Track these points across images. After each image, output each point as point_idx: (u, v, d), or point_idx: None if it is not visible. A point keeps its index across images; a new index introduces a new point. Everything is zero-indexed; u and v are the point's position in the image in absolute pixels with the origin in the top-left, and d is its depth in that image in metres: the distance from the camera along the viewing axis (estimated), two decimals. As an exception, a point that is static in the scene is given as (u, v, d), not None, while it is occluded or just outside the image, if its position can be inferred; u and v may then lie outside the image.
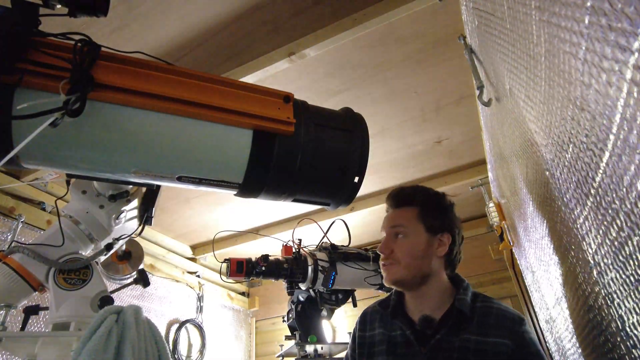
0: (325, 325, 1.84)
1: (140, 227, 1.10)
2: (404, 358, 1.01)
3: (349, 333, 1.31)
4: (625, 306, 0.50)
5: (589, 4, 0.35)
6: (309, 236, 2.05)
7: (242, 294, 3.87)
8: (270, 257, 1.55)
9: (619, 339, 0.56)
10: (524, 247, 1.43)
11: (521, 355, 0.90)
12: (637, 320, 0.47)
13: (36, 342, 0.88)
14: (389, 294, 1.18)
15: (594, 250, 0.55)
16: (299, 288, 1.63)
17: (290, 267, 1.54)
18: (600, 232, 0.49)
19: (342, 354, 1.77)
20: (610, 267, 0.50)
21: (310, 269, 1.54)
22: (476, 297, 1.04)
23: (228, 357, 3.36)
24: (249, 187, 0.82)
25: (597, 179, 0.45)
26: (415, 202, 1.12)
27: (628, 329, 0.51)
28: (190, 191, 2.58)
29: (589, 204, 0.50)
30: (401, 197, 1.14)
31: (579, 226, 0.58)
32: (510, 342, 0.91)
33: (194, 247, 3.35)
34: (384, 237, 1.11)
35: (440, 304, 1.04)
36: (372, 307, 1.19)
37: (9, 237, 2.08)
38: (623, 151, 0.36)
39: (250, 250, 3.19)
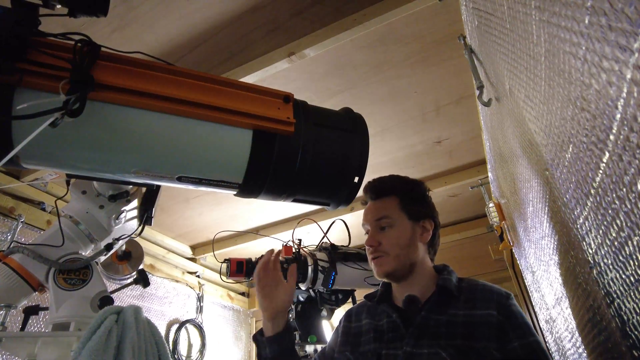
0: (325, 325, 1.84)
1: (140, 227, 1.10)
2: (391, 343, 0.98)
3: None
4: (625, 306, 0.50)
5: (589, 3, 0.35)
6: (309, 236, 2.05)
7: (242, 294, 3.87)
8: (270, 257, 1.54)
9: (618, 339, 0.56)
10: (524, 247, 1.43)
11: (510, 326, 0.90)
12: (637, 320, 0.47)
13: (36, 342, 0.88)
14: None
15: (594, 250, 0.55)
16: (299, 288, 1.63)
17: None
18: (600, 232, 0.49)
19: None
20: (610, 267, 0.50)
21: (310, 269, 1.54)
22: (462, 279, 1.07)
23: (228, 357, 3.36)
24: (248, 187, 0.82)
25: (597, 179, 0.45)
26: (394, 191, 1.12)
27: (628, 329, 0.51)
28: (190, 191, 2.58)
29: (589, 204, 0.50)
30: (380, 188, 1.13)
31: (579, 226, 0.58)
32: (496, 313, 0.91)
33: (193, 247, 3.35)
34: (369, 230, 1.10)
35: (426, 289, 1.04)
36: (357, 304, 1.20)
37: (9, 237, 2.08)
38: (623, 151, 0.36)
39: (250, 250, 3.19)
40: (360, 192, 1.00)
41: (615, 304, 0.52)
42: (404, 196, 1.11)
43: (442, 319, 0.94)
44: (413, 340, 0.93)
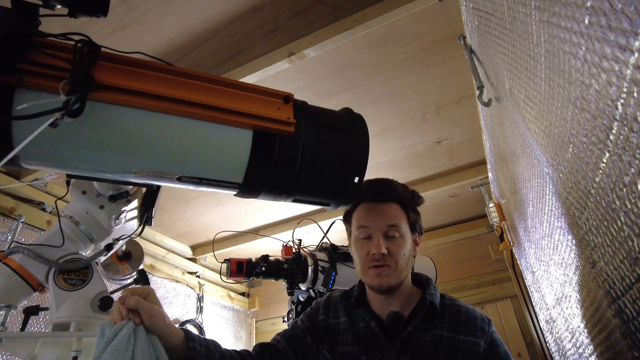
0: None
1: (140, 228, 1.10)
2: (371, 350, 0.93)
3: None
4: (625, 306, 0.50)
5: (589, 4, 0.35)
6: (309, 236, 2.06)
7: (242, 294, 3.87)
8: (270, 258, 1.55)
9: (618, 339, 0.56)
10: (524, 248, 1.43)
11: (492, 354, 0.91)
12: (637, 320, 0.47)
13: (36, 343, 0.88)
14: (352, 286, 1.09)
15: (594, 250, 0.55)
16: (299, 288, 1.63)
17: (290, 267, 1.54)
18: (600, 232, 0.49)
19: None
20: (610, 266, 0.50)
21: (310, 269, 1.54)
22: (443, 295, 1.02)
23: (228, 358, 3.36)
24: (249, 187, 0.82)
25: (597, 179, 0.45)
26: (398, 198, 1.02)
27: (628, 329, 0.51)
28: (190, 191, 2.58)
29: (589, 204, 0.50)
30: (386, 190, 1.02)
31: (579, 226, 0.58)
32: (483, 342, 0.92)
33: (194, 248, 3.35)
34: (374, 235, 0.97)
35: (407, 302, 0.99)
36: (334, 298, 1.10)
37: (9, 237, 2.08)
38: (623, 151, 0.36)
39: (251, 250, 3.19)
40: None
41: (615, 303, 0.52)
42: (406, 205, 1.02)
43: (427, 338, 0.92)
44: (395, 354, 0.90)
